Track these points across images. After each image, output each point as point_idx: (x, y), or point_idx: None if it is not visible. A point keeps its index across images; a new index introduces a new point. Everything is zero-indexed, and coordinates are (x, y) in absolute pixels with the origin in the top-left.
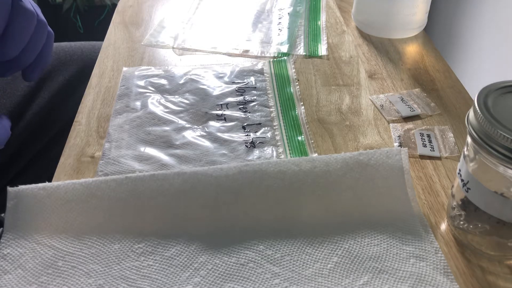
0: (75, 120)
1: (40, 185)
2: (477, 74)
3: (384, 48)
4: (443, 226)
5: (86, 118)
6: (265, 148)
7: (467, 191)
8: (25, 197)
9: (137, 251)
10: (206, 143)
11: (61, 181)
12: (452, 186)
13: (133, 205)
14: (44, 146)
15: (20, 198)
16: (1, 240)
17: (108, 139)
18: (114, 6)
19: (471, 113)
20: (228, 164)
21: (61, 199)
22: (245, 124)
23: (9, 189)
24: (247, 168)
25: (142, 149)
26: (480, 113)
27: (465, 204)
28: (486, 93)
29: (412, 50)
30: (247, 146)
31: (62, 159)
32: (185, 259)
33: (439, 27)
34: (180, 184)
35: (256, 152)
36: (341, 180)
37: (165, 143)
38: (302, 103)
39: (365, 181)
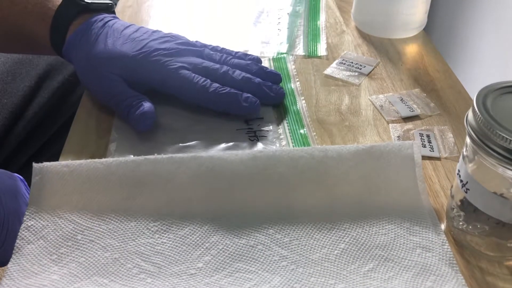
0: (74, 119)
1: (64, 162)
2: (477, 74)
3: (383, 48)
4: (442, 227)
5: (85, 117)
6: (268, 141)
7: (466, 192)
8: (49, 173)
9: (152, 229)
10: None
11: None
12: (451, 187)
13: (150, 186)
14: (43, 145)
15: (44, 174)
16: (26, 213)
17: (113, 139)
18: None
19: (470, 113)
20: (243, 150)
21: (83, 176)
22: (248, 118)
23: (35, 165)
24: (261, 155)
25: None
26: (479, 113)
27: (464, 204)
28: (485, 93)
29: (412, 50)
30: (250, 140)
31: (61, 158)
32: (197, 238)
33: (439, 27)
34: (196, 167)
35: (259, 146)
36: (352, 170)
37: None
38: (303, 98)
39: (376, 173)
